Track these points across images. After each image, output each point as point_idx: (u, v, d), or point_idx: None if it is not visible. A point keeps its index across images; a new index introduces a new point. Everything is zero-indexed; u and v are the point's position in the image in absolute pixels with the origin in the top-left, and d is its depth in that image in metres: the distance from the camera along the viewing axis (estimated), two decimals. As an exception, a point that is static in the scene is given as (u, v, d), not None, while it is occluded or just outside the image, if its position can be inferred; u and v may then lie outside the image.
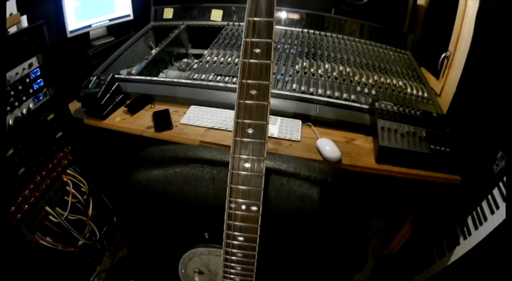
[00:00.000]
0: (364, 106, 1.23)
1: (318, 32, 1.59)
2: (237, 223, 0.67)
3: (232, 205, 0.65)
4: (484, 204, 1.08)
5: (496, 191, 1.03)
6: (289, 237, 0.75)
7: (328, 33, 1.59)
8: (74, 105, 1.38)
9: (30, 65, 1.16)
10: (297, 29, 1.61)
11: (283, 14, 1.58)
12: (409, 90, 1.34)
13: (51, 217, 1.27)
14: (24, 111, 1.14)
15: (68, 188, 1.32)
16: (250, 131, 0.61)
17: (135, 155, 0.78)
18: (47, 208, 1.26)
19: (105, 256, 1.56)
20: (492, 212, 1.03)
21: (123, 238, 1.60)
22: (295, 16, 1.58)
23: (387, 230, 1.67)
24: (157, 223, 0.82)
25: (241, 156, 0.62)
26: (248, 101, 0.60)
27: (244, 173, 0.63)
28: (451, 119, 1.24)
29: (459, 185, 1.16)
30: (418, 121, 1.21)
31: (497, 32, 1.15)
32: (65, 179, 1.31)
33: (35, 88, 1.17)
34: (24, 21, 1.15)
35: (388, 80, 1.36)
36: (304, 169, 0.69)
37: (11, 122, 1.09)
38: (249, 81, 0.59)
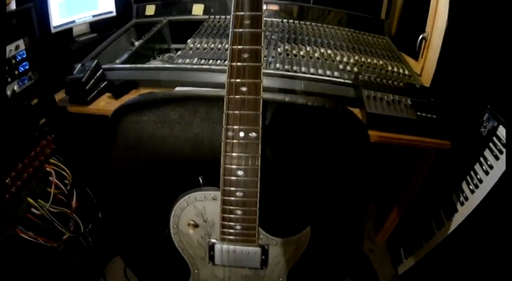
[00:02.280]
0: (348, 81, 1.25)
1: (297, 21, 1.65)
2: (235, 154, 0.63)
3: (230, 134, 0.62)
4: (477, 167, 1.10)
5: (487, 152, 1.06)
6: (292, 172, 0.73)
7: (308, 22, 1.65)
8: (58, 96, 1.35)
9: (17, 47, 1.13)
10: (277, 19, 1.66)
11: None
12: (390, 68, 1.39)
13: (33, 209, 1.21)
14: (9, 93, 1.11)
15: (50, 178, 1.26)
16: (245, 55, 0.59)
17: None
18: (29, 199, 1.20)
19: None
20: (487, 173, 1.05)
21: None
22: (275, 7, 1.64)
23: (380, 212, 1.66)
24: (147, 171, 0.78)
25: (237, 80, 0.60)
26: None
27: (241, 97, 0.61)
28: (434, 91, 1.28)
29: (449, 152, 1.17)
30: (402, 91, 1.24)
31: (471, 7, 1.22)
32: (48, 168, 1.26)
33: (21, 71, 1.15)
34: (13, 3, 1.16)
35: (369, 60, 1.41)
36: (301, 99, 0.69)
37: (-5, 103, 1.06)
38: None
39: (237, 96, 0.60)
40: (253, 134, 0.62)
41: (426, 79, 1.38)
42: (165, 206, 0.71)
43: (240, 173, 0.64)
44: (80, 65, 1.33)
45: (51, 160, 1.29)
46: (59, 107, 1.32)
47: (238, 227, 0.68)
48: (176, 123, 0.72)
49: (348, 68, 1.34)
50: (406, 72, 1.38)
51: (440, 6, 1.34)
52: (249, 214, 0.66)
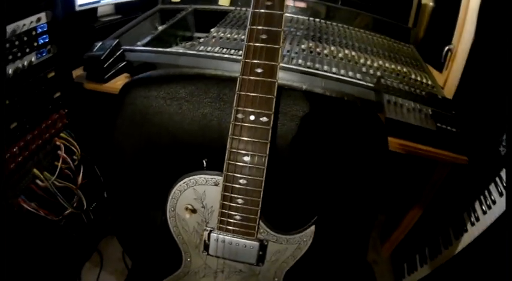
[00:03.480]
0: (369, 84, 1.21)
1: (323, 21, 1.61)
2: (243, 138, 0.60)
3: (239, 116, 0.59)
4: (492, 187, 1.04)
5: (503, 173, 1.00)
6: (301, 163, 0.70)
7: (334, 23, 1.61)
8: (76, 73, 1.36)
9: (39, 19, 1.13)
10: (303, 17, 1.63)
11: (289, 2, 1.61)
12: (413, 76, 1.34)
13: (38, 181, 1.21)
14: (25, 64, 1.11)
15: (59, 152, 1.26)
16: (264, 36, 0.57)
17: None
18: (35, 170, 1.20)
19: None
20: (501, 195, 1.00)
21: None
22: (302, 4, 1.61)
23: (388, 223, 1.61)
24: (150, 148, 0.76)
25: (253, 61, 0.58)
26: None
27: (255, 78, 0.58)
28: (456, 104, 1.23)
29: (465, 169, 1.13)
30: (424, 100, 1.19)
31: (499, 21, 1.17)
32: (57, 142, 1.26)
33: (40, 43, 1.15)
34: (36, -23, 1.16)
35: (393, 66, 1.36)
36: (319, 89, 0.66)
37: (10, 72, 1.07)
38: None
39: (251, 77, 0.58)
40: (265, 119, 0.59)
41: (449, 92, 1.34)
42: (164, 187, 0.68)
43: (246, 159, 0.61)
44: (100, 43, 1.32)
45: (62, 134, 1.28)
46: (75, 83, 1.32)
47: (237, 217, 0.64)
48: (185, 102, 0.69)
49: (371, 71, 1.30)
50: (429, 82, 1.34)
51: (469, 18, 1.29)
52: (251, 204, 0.63)
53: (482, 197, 1.09)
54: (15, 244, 1.17)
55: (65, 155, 1.27)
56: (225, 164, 0.62)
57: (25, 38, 1.09)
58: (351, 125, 0.66)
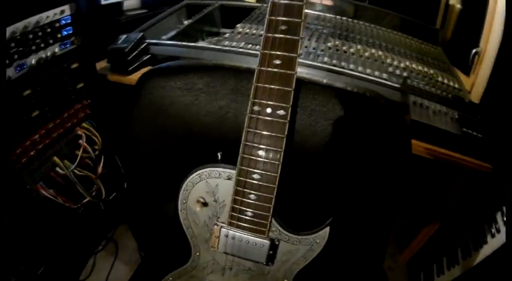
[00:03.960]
0: (395, 85, 1.17)
1: (350, 20, 1.58)
2: (258, 131, 0.58)
3: (256, 108, 0.57)
4: (516, 199, 1.00)
5: None
6: (318, 161, 0.67)
7: (361, 22, 1.57)
8: (100, 65, 1.37)
9: (62, 12, 1.16)
10: (330, 15, 1.60)
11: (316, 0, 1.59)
12: (439, 79, 1.29)
13: (58, 169, 1.23)
14: (48, 54, 1.14)
15: (80, 141, 1.28)
16: (283, 27, 0.55)
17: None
18: (55, 158, 1.22)
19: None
20: None
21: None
22: (329, 2, 1.58)
23: (408, 229, 1.57)
24: (165, 139, 0.76)
25: (271, 52, 0.56)
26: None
27: (273, 70, 0.56)
28: (483, 109, 1.18)
29: (488, 179, 1.09)
30: (450, 103, 1.15)
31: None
32: (79, 132, 1.28)
33: (64, 34, 1.17)
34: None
35: (420, 67, 1.32)
36: (340, 83, 0.63)
37: (33, 62, 1.09)
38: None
39: (269, 69, 0.56)
40: (282, 112, 0.57)
41: (476, 97, 1.28)
42: (177, 179, 0.67)
43: (261, 153, 0.59)
44: (125, 36, 1.33)
45: (84, 124, 1.30)
46: (99, 75, 1.34)
47: (249, 213, 0.62)
48: (202, 93, 0.69)
49: (397, 72, 1.25)
50: (456, 85, 1.28)
51: (496, 20, 1.24)
52: (264, 200, 0.61)
53: (504, 209, 1.05)
54: (32, 229, 1.20)
55: (85, 145, 1.29)
56: (239, 157, 0.61)
57: (48, 30, 1.12)
58: (372, 123, 0.63)
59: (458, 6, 1.58)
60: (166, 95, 0.73)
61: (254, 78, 0.57)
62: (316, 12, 1.60)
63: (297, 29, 0.55)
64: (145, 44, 1.31)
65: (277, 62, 0.56)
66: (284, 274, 0.68)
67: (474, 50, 1.32)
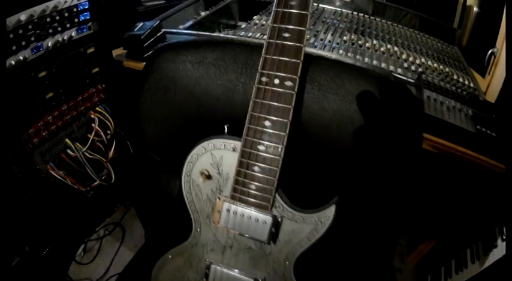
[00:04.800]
0: (410, 80, 1.16)
1: (367, 16, 1.57)
2: (265, 101, 0.58)
3: (264, 79, 0.58)
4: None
5: None
6: (325, 137, 0.66)
7: (378, 18, 1.56)
8: (116, 52, 1.39)
9: (80, -3, 1.19)
10: (347, 11, 1.59)
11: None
12: (455, 77, 1.27)
13: (69, 151, 1.25)
14: (65, 38, 1.16)
15: (93, 125, 1.30)
16: (293, 2, 0.55)
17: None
18: (67, 140, 1.24)
19: (117, 208, 1.50)
20: None
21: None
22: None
23: (418, 231, 1.54)
24: (172, 112, 0.76)
25: (280, 26, 0.56)
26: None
27: (282, 42, 0.56)
28: (498, 109, 1.15)
29: (500, 179, 1.05)
30: (465, 100, 1.13)
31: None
32: (92, 115, 1.30)
33: (81, 19, 1.19)
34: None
35: (435, 65, 1.30)
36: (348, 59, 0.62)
37: (50, 45, 1.11)
38: None
39: (278, 41, 0.56)
40: (289, 83, 0.57)
41: (491, 98, 1.24)
42: (183, 153, 0.67)
43: (267, 123, 0.59)
44: (142, 23, 1.35)
45: (98, 109, 1.32)
46: (114, 61, 1.36)
47: (253, 186, 0.61)
48: (212, 66, 0.69)
49: (413, 68, 1.24)
50: (472, 85, 1.26)
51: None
52: (269, 173, 0.60)
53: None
54: (39, 209, 1.21)
55: (98, 128, 1.30)
56: (245, 128, 0.61)
57: (66, 14, 1.14)
58: (382, 100, 0.62)
59: (476, 9, 1.55)
60: (177, 68, 0.74)
61: (263, 50, 0.58)
62: (333, 8, 1.60)
63: (307, 4, 0.55)
64: (161, 32, 1.33)
65: (286, 35, 0.56)
66: (286, 255, 0.66)
67: (490, 51, 1.29)
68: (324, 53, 0.63)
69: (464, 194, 1.24)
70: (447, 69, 1.30)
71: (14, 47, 1.01)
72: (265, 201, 0.62)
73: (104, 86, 1.32)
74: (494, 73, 1.29)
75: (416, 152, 0.67)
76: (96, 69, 1.29)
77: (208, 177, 0.66)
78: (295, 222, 0.63)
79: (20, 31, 1.01)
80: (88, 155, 1.29)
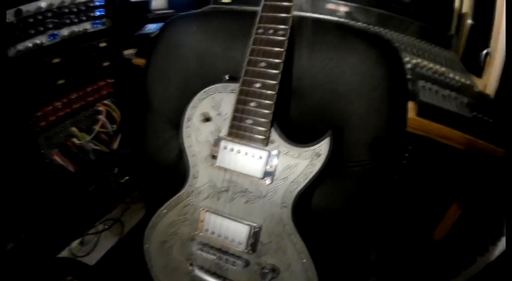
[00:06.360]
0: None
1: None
2: (261, 47, 0.65)
3: (260, 31, 0.66)
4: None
5: None
6: (324, 84, 0.71)
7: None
8: (126, 52, 1.46)
9: (97, -6, 1.29)
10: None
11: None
12: (451, 75, 1.31)
13: (74, 139, 1.28)
14: (80, 30, 1.24)
15: (100, 116, 1.34)
16: None
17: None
18: (73, 128, 1.28)
19: (118, 205, 1.50)
20: None
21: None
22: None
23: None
24: (179, 77, 0.82)
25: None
26: None
27: (275, 3, 0.65)
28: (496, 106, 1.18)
29: (503, 169, 1.04)
30: (460, 90, 1.17)
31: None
32: (100, 107, 1.35)
33: (96, 14, 1.29)
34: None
35: (431, 65, 1.34)
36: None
37: (65, 34, 1.19)
38: None
39: (272, 3, 0.66)
40: (281, 32, 0.64)
41: (488, 96, 1.29)
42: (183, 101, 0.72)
43: (262, 64, 0.64)
44: (151, 25, 1.45)
45: (106, 101, 1.38)
46: (124, 58, 1.43)
47: (249, 120, 0.64)
48: (217, 31, 0.78)
49: (409, 66, 1.28)
50: (468, 82, 1.30)
51: (504, 21, 1.27)
52: (264, 107, 0.64)
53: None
54: (39, 195, 1.21)
55: (104, 120, 1.35)
56: (242, 70, 0.66)
57: (83, 8, 1.22)
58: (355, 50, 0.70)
59: (469, 21, 1.62)
60: (184, 34, 0.81)
61: (260, 9, 0.66)
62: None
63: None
64: (170, 33, 1.41)
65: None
66: (283, 197, 0.66)
67: (485, 51, 1.34)
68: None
69: (467, 184, 1.24)
70: (443, 69, 1.34)
71: (32, 31, 1.08)
72: (261, 135, 0.64)
73: (113, 80, 1.38)
74: (490, 72, 1.33)
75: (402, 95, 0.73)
76: (107, 63, 1.36)
77: (208, 119, 0.69)
78: (290, 157, 0.64)
79: (40, 17, 1.09)
80: (93, 146, 1.32)
